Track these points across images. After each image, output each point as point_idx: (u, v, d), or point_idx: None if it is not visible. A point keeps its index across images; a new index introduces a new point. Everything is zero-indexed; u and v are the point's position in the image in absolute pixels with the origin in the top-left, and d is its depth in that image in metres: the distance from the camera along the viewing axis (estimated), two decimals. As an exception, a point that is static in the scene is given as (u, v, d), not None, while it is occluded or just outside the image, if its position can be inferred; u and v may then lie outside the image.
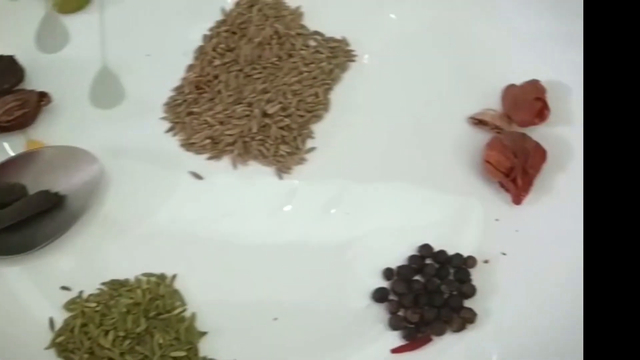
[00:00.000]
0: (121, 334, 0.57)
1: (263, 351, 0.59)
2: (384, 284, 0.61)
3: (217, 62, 0.68)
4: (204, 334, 0.59)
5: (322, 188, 0.65)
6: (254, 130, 0.65)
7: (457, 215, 0.64)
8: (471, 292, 0.60)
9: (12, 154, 0.65)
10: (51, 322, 0.58)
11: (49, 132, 0.67)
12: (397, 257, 0.62)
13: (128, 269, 0.61)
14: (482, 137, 0.66)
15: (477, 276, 0.61)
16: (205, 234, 0.63)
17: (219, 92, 0.67)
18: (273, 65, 0.68)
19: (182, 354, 0.57)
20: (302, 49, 0.69)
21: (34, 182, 0.63)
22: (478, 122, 0.66)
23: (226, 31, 0.69)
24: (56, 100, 0.67)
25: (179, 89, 0.67)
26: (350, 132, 0.67)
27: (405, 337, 0.59)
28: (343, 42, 0.70)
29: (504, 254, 0.62)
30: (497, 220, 0.64)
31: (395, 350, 0.58)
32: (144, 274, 0.61)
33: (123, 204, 0.64)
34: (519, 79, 0.68)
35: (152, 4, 0.72)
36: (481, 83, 0.70)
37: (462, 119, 0.68)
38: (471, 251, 0.62)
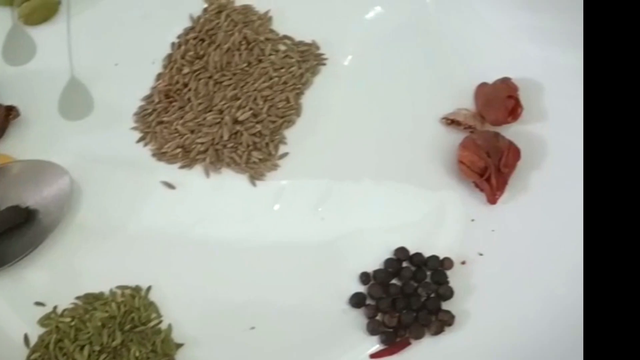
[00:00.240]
0: (97, 348, 0.56)
1: (241, 361, 0.57)
2: (361, 288, 0.60)
3: (186, 70, 0.67)
4: (180, 345, 0.58)
5: (295, 194, 0.64)
6: (225, 137, 0.64)
7: (433, 216, 0.64)
8: (449, 294, 0.60)
9: (-20, 169, 0.64)
10: (26, 339, 0.58)
11: (18, 146, 0.66)
12: (374, 260, 0.62)
13: (102, 282, 0.60)
14: (456, 136, 0.66)
15: (454, 278, 0.61)
16: (180, 244, 0.63)
17: (189, 100, 0.66)
18: (243, 71, 0.67)
19: (158, 366, 0.56)
20: (271, 54, 0.68)
21: (4, 198, 0.62)
22: (451, 122, 0.66)
23: (195, 38, 0.69)
24: (24, 113, 0.66)
25: (148, 98, 0.67)
26: (323, 136, 0.67)
27: (383, 341, 0.58)
28: (313, 45, 0.70)
29: (481, 254, 0.62)
30: (473, 220, 0.63)
31: (374, 356, 0.58)
32: (119, 287, 0.60)
33: (95, 216, 0.63)
34: (491, 77, 0.67)
35: (119, 13, 0.71)
36: (454, 82, 0.69)
37: (436, 119, 0.67)
38: (448, 252, 0.62)
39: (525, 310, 0.59)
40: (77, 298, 0.59)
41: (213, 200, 0.64)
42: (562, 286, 0.59)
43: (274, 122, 0.66)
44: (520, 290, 0.60)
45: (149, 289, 0.60)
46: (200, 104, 0.66)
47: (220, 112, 0.65)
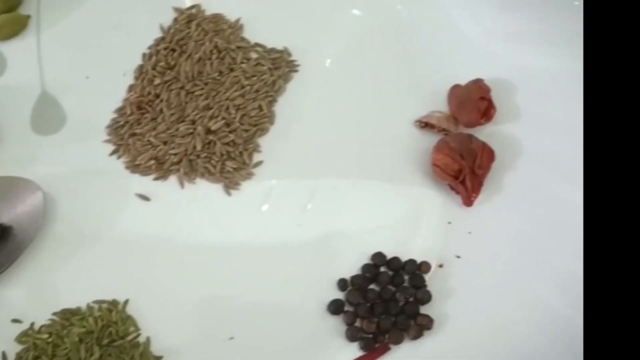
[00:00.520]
0: (75, 364, 0.55)
1: (220, 372, 0.57)
2: (339, 295, 0.60)
3: (157, 80, 0.66)
4: (159, 358, 0.58)
5: (271, 202, 0.64)
6: (199, 148, 0.64)
7: (410, 220, 0.64)
8: (427, 298, 0.60)
9: (-48, 187, 0.63)
10: (4, 356, 0.57)
11: (-10, 162, 0.65)
12: (351, 266, 0.62)
13: (79, 297, 0.60)
14: (430, 139, 0.66)
15: (432, 281, 0.61)
16: (156, 256, 0.62)
17: (161, 111, 0.66)
18: (214, 81, 0.67)
19: (137, 380, 0.55)
20: (243, 62, 0.68)
21: (-23, 215, 0.61)
22: (425, 125, 0.66)
23: (165, 49, 0.68)
24: (-4, 129, 0.65)
25: (120, 110, 0.66)
26: (298, 143, 0.67)
27: (362, 347, 0.58)
28: (285, 52, 0.69)
29: (458, 257, 0.62)
30: (449, 223, 0.63)
31: (354, 362, 0.57)
32: (96, 301, 0.60)
33: (70, 231, 0.63)
34: (464, 79, 0.67)
35: (89, 26, 0.71)
36: (428, 84, 0.69)
37: (410, 122, 0.67)
38: (425, 256, 0.62)
39: (504, 312, 0.59)
40: (54, 314, 0.59)
41: (188, 211, 0.64)
42: (541, 286, 0.59)
43: (247, 130, 0.65)
44: (499, 292, 0.60)
45: (126, 302, 0.60)
46: (172, 114, 0.65)
47: (193, 122, 0.65)
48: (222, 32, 0.70)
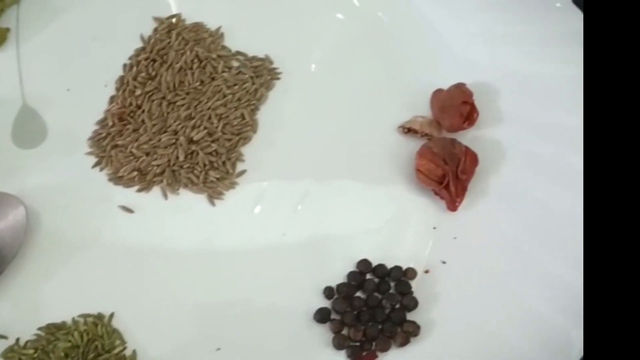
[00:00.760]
0: (61, 379, 0.55)
1: (208, 383, 0.57)
2: (326, 303, 0.60)
3: (138, 91, 0.66)
4: (145, 371, 0.57)
5: (255, 211, 0.64)
6: (181, 158, 0.64)
7: (395, 226, 0.64)
8: (413, 304, 0.59)
9: None
10: (-10, 372, 0.56)
11: (-29, 177, 0.64)
12: (337, 274, 0.62)
13: (65, 311, 0.60)
14: (414, 144, 0.65)
15: (418, 287, 0.61)
16: (141, 268, 0.62)
17: (143, 122, 0.65)
18: (196, 90, 0.67)
19: (123, 394, 0.55)
20: (224, 71, 0.68)
21: (-42, 232, 0.60)
22: (408, 130, 0.65)
23: (146, 59, 0.68)
24: (-24, 144, 0.65)
25: (102, 122, 0.66)
26: (281, 151, 0.66)
27: (350, 356, 0.58)
28: (266, 60, 0.69)
29: (444, 262, 0.61)
30: (434, 228, 0.63)
31: (341, 371, 0.57)
32: (81, 315, 0.59)
33: (54, 245, 0.62)
34: (446, 83, 0.67)
35: (69, 37, 0.70)
36: (410, 89, 0.69)
37: (394, 128, 0.67)
38: (411, 262, 0.62)
39: (491, 317, 0.59)
40: (40, 329, 0.59)
41: (172, 222, 0.64)
42: (527, 291, 0.59)
43: (229, 140, 0.65)
44: (485, 297, 0.60)
45: (111, 315, 0.60)
46: (154, 125, 0.65)
47: (175, 132, 0.65)
48: (203, 41, 0.69)
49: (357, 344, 0.59)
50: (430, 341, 0.59)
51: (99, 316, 0.60)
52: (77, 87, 0.68)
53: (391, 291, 0.61)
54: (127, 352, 0.59)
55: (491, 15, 0.68)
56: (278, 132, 0.67)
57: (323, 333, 0.59)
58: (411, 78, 0.69)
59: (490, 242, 0.62)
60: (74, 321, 0.59)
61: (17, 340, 0.58)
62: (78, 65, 0.69)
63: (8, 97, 0.66)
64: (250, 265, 0.62)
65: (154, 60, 0.68)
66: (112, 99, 0.67)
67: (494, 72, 0.67)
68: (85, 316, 0.59)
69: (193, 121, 0.65)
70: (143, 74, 0.67)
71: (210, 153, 0.64)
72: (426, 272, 0.61)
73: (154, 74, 0.67)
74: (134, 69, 0.67)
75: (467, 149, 0.62)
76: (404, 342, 0.58)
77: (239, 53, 0.70)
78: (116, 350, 0.58)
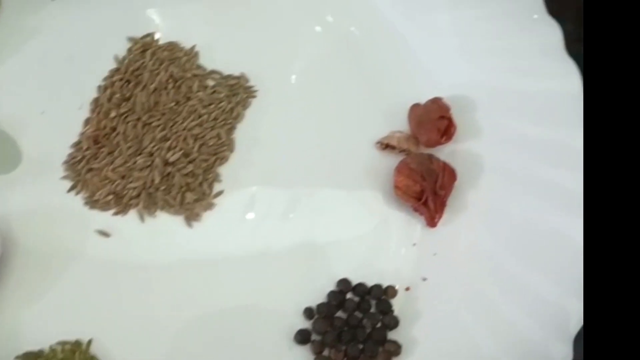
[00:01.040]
0: (38, 407, 0.54)
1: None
2: (306, 324, 0.59)
3: (113, 113, 0.65)
4: (124, 398, 0.56)
5: (234, 232, 0.63)
6: (157, 180, 0.63)
7: (374, 243, 0.63)
8: (394, 323, 0.59)
9: None
10: (-31, 402, 0.55)
11: (-55, 204, 0.63)
12: (317, 294, 0.61)
13: (42, 338, 0.59)
14: (392, 160, 0.65)
15: (399, 305, 0.60)
16: (119, 292, 0.61)
17: (118, 144, 0.65)
18: (171, 111, 0.66)
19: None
20: (199, 91, 0.67)
21: None
22: (385, 146, 0.65)
23: (120, 80, 0.67)
24: (-51, 171, 0.64)
25: (77, 145, 0.65)
26: (259, 170, 0.66)
27: (331, 377, 0.57)
28: (242, 78, 0.69)
29: (425, 279, 0.61)
30: (414, 244, 0.62)
31: (322, 392, 0.57)
32: (59, 342, 0.59)
33: (30, 271, 0.62)
34: (424, 97, 0.66)
35: (42, 59, 0.70)
36: (388, 104, 0.68)
37: (372, 143, 0.66)
38: (391, 279, 0.61)
39: (472, 334, 0.58)
40: (17, 357, 0.58)
41: (150, 245, 0.63)
42: (509, 307, 0.58)
43: (206, 160, 0.64)
44: (467, 314, 0.59)
45: (89, 342, 0.59)
46: (129, 147, 0.64)
47: (151, 154, 0.64)
48: (178, 60, 0.69)
49: (339, 364, 0.57)
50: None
51: (77, 343, 0.59)
52: (52, 109, 0.68)
53: (372, 310, 0.60)
54: (106, 379, 0.57)
55: (466, 29, 0.68)
56: (255, 151, 0.66)
57: (304, 354, 0.59)
58: (389, 93, 0.69)
59: (471, 257, 0.61)
60: (52, 349, 0.59)
61: (-5, 369, 0.57)
62: (52, 88, 0.69)
63: (-19, 122, 0.64)
64: (229, 287, 0.62)
65: (129, 81, 0.67)
66: (87, 122, 0.66)
67: (471, 85, 0.67)
68: (63, 343, 0.59)
69: (169, 142, 0.64)
70: (117, 96, 0.66)
71: (186, 174, 0.64)
72: (407, 289, 0.61)
73: (128, 95, 0.66)
74: (108, 90, 0.67)
75: (444, 164, 0.62)
76: (386, 362, 0.57)
77: (214, 72, 0.69)
78: (94, 378, 0.57)
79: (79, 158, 0.65)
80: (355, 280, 0.61)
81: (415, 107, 0.65)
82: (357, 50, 0.71)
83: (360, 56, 0.70)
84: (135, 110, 0.66)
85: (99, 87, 0.68)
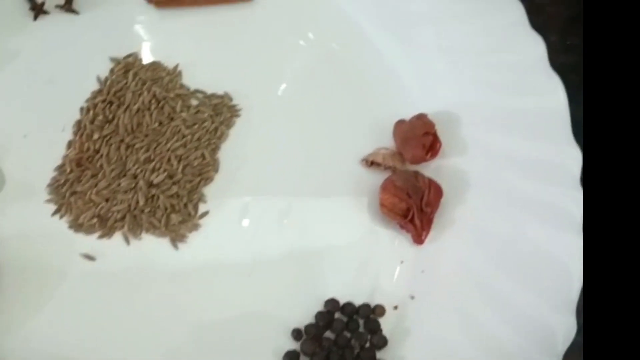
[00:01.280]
0: None
1: None
2: (294, 345, 0.59)
3: (96, 135, 0.65)
4: None
5: (220, 253, 0.63)
6: (142, 203, 0.62)
7: (361, 261, 0.63)
8: (382, 343, 0.59)
9: None
10: None
11: None
12: (305, 314, 0.61)
13: (28, 364, 0.57)
14: (378, 177, 0.65)
15: (387, 324, 0.60)
16: (106, 317, 0.61)
17: (102, 166, 0.64)
18: (155, 132, 0.66)
19: None
20: (182, 111, 0.67)
21: None
22: (371, 163, 0.64)
23: (103, 101, 0.67)
24: None
25: (60, 168, 0.65)
26: (244, 190, 0.66)
27: (320, 398, 0.57)
28: (226, 97, 0.68)
29: (412, 297, 0.61)
30: (402, 262, 0.62)
31: (311, 415, 0.56)
32: (45, 368, 0.57)
33: (16, 297, 0.61)
34: (409, 113, 0.66)
35: (24, 81, 0.69)
36: (373, 120, 0.68)
37: (357, 160, 0.66)
38: (379, 298, 0.61)
39: (461, 352, 0.58)
40: (3, 383, 0.57)
41: (136, 268, 0.63)
42: (498, 324, 0.58)
43: (190, 181, 0.64)
44: (455, 332, 0.59)
45: (75, 367, 0.57)
46: (113, 170, 0.64)
47: (135, 176, 0.64)
48: (161, 80, 0.68)
49: (328, 385, 0.57)
50: (401, 379, 0.57)
51: (63, 368, 0.58)
52: (34, 132, 0.67)
53: (360, 329, 0.59)
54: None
55: (450, 45, 0.68)
56: (240, 170, 0.66)
57: (293, 376, 0.58)
58: (374, 109, 0.69)
59: (459, 274, 0.61)
60: (38, 374, 0.57)
61: (-20, 400, 0.56)
62: (34, 110, 0.68)
63: (-37, 146, 0.64)
64: (216, 309, 0.61)
65: (111, 103, 0.67)
66: (70, 144, 0.66)
67: (456, 101, 0.67)
68: (49, 369, 0.57)
69: (152, 164, 0.64)
70: (100, 117, 0.66)
71: (171, 196, 0.63)
72: (395, 308, 0.60)
73: (111, 116, 0.66)
74: (91, 112, 0.66)
75: (430, 181, 0.62)
76: (374, 382, 0.57)
77: (197, 91, 0.68)
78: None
79: (62, 181, 0.64)
80: (343, 299, 0.60)
81: (400, 124, 0.65)
82: (341, 67, 0.70)
83: (344, 73, 0.70)
84: (118, 132, 0.65)
85: (82, 108, 0.67)
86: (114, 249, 0.63)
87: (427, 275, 0.61)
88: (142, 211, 0.63)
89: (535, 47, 0.65)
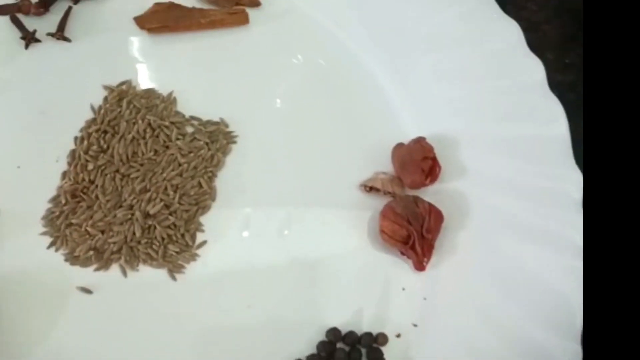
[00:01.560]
0: None
1: None
2: (296, 376, 0.58)
3: (91, 166, 0.64)
4: None
5: (219, 283, 0.62)
6: (138, 234, 0.62)
7: (363, 289, 0.62)
8: (386, 372, 0.57)
9: None
10: None
11: None
12: (306, 344, 0.60)
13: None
14: (378, 202, 0.64)
15: (390, 353, 0.60)
16: (105, 351, 0.60)
17: (97, 197, 0.63)
18: (150, 161, 0.65)
19: None
20: (178, 139, 0.66)
21: None
22: (370, 189, 0.64)
23: (97, 131, 0.66)
24: None
25: (55, 200, 0.64)
26: (242, 217, 0.65)
27: None
28: (222, 123, 0.67)
29: (415, 325, 0.60)
30: (403, 289, 0.61)
31: None
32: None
33: (11, 332, 0.60)
34: (407, 136, 0.65)
35: (16, 112, 0.68)
36: (371, 144, 0.68)
37: (356, 185, 0.65)
38: (381, 326, 0.60)
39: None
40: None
41: (134, 300, 0.62)
42: (501, 352, 0.57)
43: (187, 210, 0.63)
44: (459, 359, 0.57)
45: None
46: (108, 201, 0.63)
47: (130, 207, 0.63)
48: (155, 107, 0.67)
49: (331, 417, 0.56)
50: (405, 409, 0.56)
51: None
52: (28, 163, 0.66)
53: (363, 359, 0.58)
54: None
55: (448, 70, 0.67)
56: (237, 198, 0.65)
57: (296, 408, 0.57)
58: (371, 133, 0.68)
59: (461, 301, 0.60)
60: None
61: None
62: (27, 141, 0.67)
63: (-44, 179, 0.63)
64: (216, 341, 0.61)
65: (105, 132, 0.66)
66: (64, 175, 0.65)
67: (454, 124, 0.66)
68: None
69: (148, 194, 0.63)
70: (95, 147, 0.65)
71: (168, 226, 0.62)
72: (397, 336, 0.60)
73: (105, 146, 0.65)
74: (85, 142, 0.65)
75: (431, 206, 0.61)
76: (378, 413, 0.56)
77: (193, 118, 0.68)
78: None
79: (57, 213, 0.63)
80: (344, 328, 0.60)
81: (398, 147, 0.64)
82: (338, 90, 0.70)
83: (341, 97, 0.70)
84: (113, 162, 0.64)
85: (76, 138, 0.66)
86: (111, 281, 0.62)
87: (429, 302, 0.61)
88: (139, 242, 0.62)
89: (534, 70, 0.64)
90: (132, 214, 0.62)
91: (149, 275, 0.63)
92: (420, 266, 0.60)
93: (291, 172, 0.66)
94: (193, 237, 0.63)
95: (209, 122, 0.68)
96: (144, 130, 0.66)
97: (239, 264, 0.63)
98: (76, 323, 0.61)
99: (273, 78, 0.71)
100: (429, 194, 0.63)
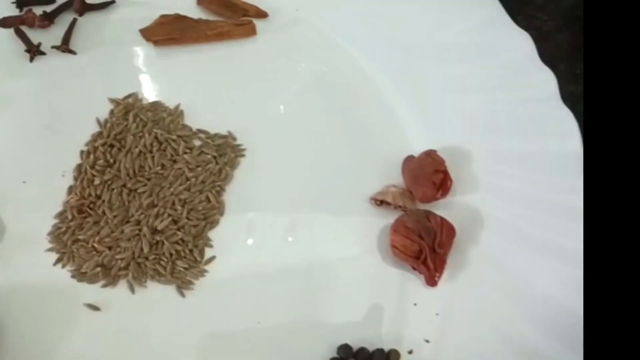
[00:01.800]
0: None
1: None
2: (307, 394, 0.57)
3: (97, 180, 0.63)
4: None
5: (228, 299, 0.61)
6: (146, 250, 0.61)
7: (373, 305, 0.61)
8: (399, 389, 0.56)
9: None
10: None
11: None
12: (318, 360, 0.58)
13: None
14: (389, 216, 0.63)
15: (402, 369, 0.58)
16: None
17: (104, 213, 0.62)
18: (157, 175, 0.64)
19: None
20: (185, 153, 0.65)
21: None
22: (381, 202, 0.63)
23: (103, 145, 0.65)
24: None
25: (61, 215, 0.63)
26: (251, 233, 0.64)
27: None
28: (230, 136, 0.66)
29: (427, 341, 0.59)
30: (415, 304, 0.60)
31: None
32: None
33: (19, 350, 0.59)
34: (418, 148, 0.64)
35: (22, 126, 0.67)
36: (382, 156, 0.67)
37: (366, 198, 0.65)
38: (393, 342, 0.60)
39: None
40: None
41: (141, 317, 0.61)
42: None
43: (195, 226, 0.62)
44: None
45: None
46: (115, 216, 0.62)
47: (138, 222, 0.62)
48: (162, 121, 0.66)
49: None
50: None
51: None
52: (34, 178, 0.65)
53: (375, 376, 0.58)
54: None
55: (459, 82, 0.67)
56: (246, 213, 0.65)
57: None
58: (382, 145, 0.68)
59: (474, 316, 0.60)
60: None
61: None
62: (33, 155, 0.66)
63: (-40, 199, 0.62)
64: (226, 358, 0.59)
65: (112, 146, 0.65)
66: (71, 190, 0.64)
67: (466, 136, 0.65)
68: None
69: (156, 209, 0.62)
70: (101, 162, 0.64)
71: (176, 242, 0.61)
72: (410, 352, 0.59)
73: (112, 160, 0.64)
74: (91, 156, 0.64)
75: (442, 220, 0.60)
76: None
77: (200, 131, 0.67)
78: None
79: (63, 229, 0.62)
80: (355, 344, 0.59)
81: (409, 160, 0.64)
82: (347, 103, 0.69)
83: (351, 109, 0.69)
84: (120, 177, 0.64)
85: (82, 152, 0.65)
86: (119, 298, 0.61)
87: (441, 318, 0.60)
88: (147, 258, 0.61)
89: (546, 82, 0.64)
90: (140, 230, 0.62)
91: (157, 291, 0.61)
92: (432, 281, 0.59)
93: (300, 186, 0.66)
94: (201, 253, 0.62)
95: (217, 135, 0.67)
96: (151, 144, 0.65)
97: (248, 280, 0.62)
98: (84, 340, 0.60)
99: (281, 90, 0.70)
100: (440, 207, 0.63)
